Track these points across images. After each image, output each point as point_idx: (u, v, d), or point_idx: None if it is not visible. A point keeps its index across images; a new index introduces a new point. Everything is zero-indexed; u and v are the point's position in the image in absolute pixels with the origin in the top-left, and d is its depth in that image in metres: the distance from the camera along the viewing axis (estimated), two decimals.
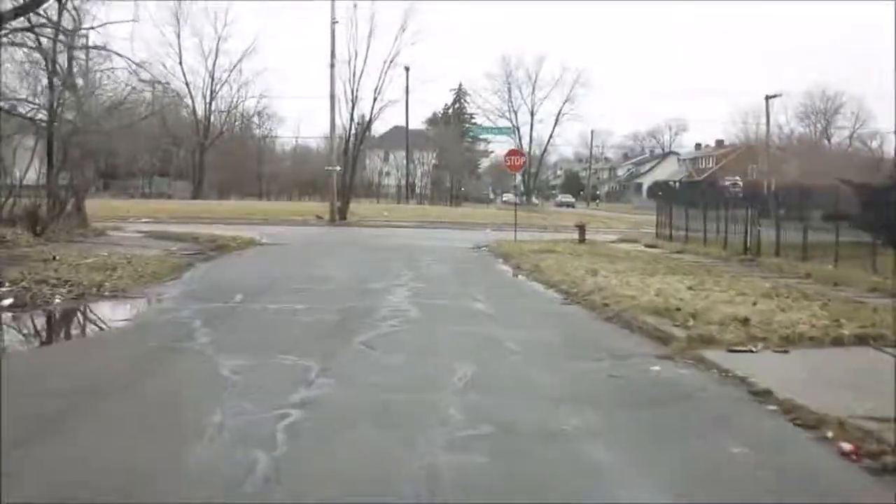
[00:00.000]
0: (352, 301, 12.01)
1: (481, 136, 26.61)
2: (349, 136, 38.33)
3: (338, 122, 37.76)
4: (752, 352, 8.24)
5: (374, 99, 37.88)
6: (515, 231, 25.36)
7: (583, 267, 16.39)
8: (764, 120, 71.29)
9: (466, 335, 9.51)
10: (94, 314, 10.89)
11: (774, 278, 15.42)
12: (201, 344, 8.48)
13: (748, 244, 19.96)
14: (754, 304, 10.91)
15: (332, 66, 35.80)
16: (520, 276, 16.84)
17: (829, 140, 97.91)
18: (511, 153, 25.36)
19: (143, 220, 35.66)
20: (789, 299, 11.64)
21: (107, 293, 11.95)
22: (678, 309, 10.22)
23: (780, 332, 8.87)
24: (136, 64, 30.11)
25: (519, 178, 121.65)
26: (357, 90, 37.29)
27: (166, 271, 14.94)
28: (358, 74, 37.48)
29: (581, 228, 24.70)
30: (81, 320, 10.74)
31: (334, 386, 6.82)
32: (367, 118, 38.54)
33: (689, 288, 12.52)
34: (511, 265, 18.85)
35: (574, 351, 8.79)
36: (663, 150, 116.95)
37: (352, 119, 37.68)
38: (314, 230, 33.07)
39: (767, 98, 67.72)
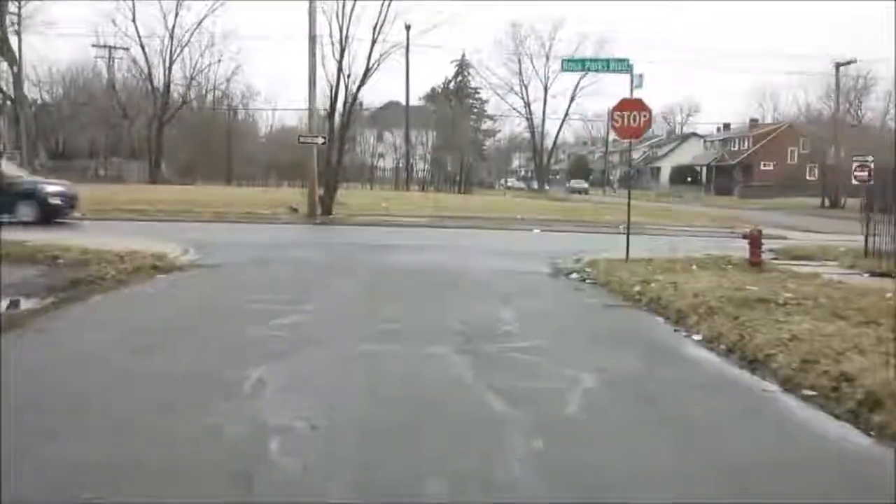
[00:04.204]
0: None
1: (583, 70, 16.40)
2: (336, 95, 26.99)
3: (321, 78, 26.48)
4: None
5: (373, 41, 26.38)
6: (628, 243, 14.37)
7: None
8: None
9: None
10: None
11: None
12: None
13: None
14: None
15: None
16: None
17: (860, 121, 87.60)
18: (625, 105, 13.91)
19: None
20: None
21: None
22: None
23: None
24: None
25: (517, 162, 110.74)
26: (348, 28, 25.94)
27: None
28: (349, 8, 26.17)
29: (754, 241, 13.73)
30: None
31: None
32: (362, 70, 27.06)
33: None
34: (742, 363, 7.62)
35: None
36: (673, 130, 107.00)
37: (340, 70, 26.26)
38: (283, 233, 21.99)
39: (838, 66, 56.59)
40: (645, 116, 13.87)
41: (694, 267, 13.63)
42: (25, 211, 19.60)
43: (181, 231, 19.21)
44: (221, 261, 14.16)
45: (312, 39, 24.89)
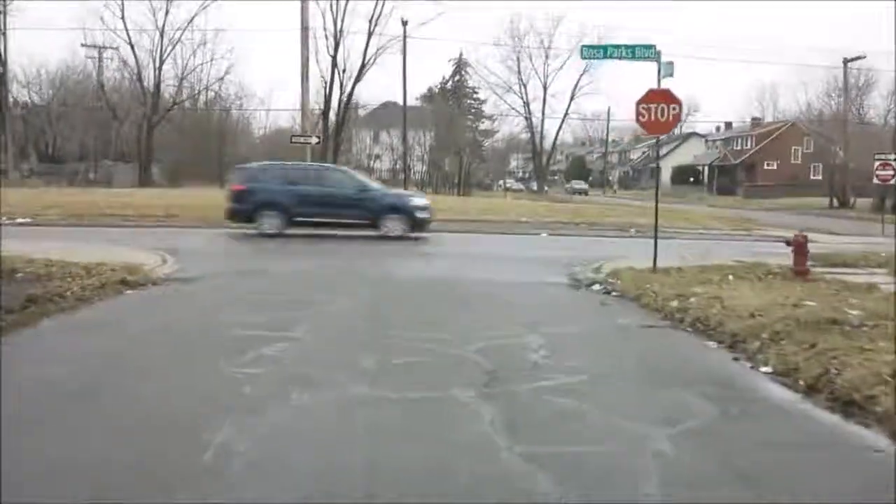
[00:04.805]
0: None
1: (604, 57, 14.83)
2: (330, 91, 25.48)
3: (315, 74, 24.99)
4: None
5: (370, 33, 24.98)
6: (655, 250, 12.92)
7: None
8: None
9: None
10: None
11: None
12: None
13: None
14: None
15: None
16: None
17: (861, 119, 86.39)
18: (651, 97, 12.41)
19: (20, 220, 23.54)
20: None
21: None
22: None
23: None
24: None
25: (514, 163, 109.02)
26: (342, 20, 24.46)
27: None
28: (343, 0, 24.66)
29: (800, 247, 12.29)
30: None
31: None
32: (357, 66, 25.54)
33: None
34: (831, 404, 5.84)
35: None
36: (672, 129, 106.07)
37: (334, 65, 24.79)
38: (268, 244, 20.45)
39: (846, 61, 55.16)
40: (674, 110, 12.39)
41: (730, 277, 12.21)
42: (393, 225, 19.20)
43: (161, 238, 17.74)
44: (202, 272, 12.68)
45: (305, 30, 23.47)
